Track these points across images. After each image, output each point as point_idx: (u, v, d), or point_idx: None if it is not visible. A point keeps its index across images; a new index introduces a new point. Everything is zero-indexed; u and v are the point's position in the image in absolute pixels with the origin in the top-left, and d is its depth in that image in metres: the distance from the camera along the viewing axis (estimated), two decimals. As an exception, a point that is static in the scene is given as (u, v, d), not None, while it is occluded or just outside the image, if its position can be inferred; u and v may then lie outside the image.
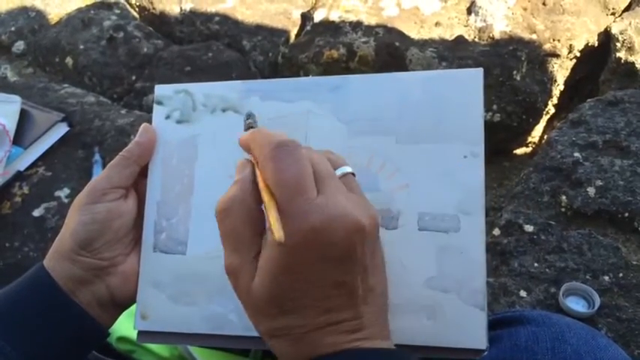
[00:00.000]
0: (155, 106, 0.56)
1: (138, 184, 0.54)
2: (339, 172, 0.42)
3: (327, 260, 0.38)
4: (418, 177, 0.49)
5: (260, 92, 0.53)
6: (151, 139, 0.54)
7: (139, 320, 0.52)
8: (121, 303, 0.53)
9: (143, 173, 0.54)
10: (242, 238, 0.40)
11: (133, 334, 0.62)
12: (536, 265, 0.98)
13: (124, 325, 0.66)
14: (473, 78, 0.50)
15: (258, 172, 0.41)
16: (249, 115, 0.49)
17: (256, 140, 0.41)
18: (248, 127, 0.47)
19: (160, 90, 0.56)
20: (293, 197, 0.38)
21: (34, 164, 1.24)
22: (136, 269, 0.53)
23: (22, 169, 1.22)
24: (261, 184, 0.40)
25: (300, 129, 0.51)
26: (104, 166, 1.23)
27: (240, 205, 0.40)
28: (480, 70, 0.50)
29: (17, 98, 1.26)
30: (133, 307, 0.53)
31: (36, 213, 1.17)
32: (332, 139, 0.51)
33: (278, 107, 0.53)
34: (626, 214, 1.02)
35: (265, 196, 0.39)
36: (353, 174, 0.44)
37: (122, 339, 0.70)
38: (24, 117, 1.24)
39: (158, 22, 1.82)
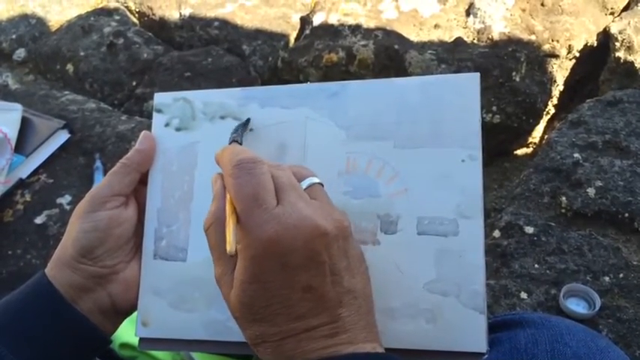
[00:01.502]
0: (154, 114, 0.56)
1: (138, 191, 0.55)
2: (305, 183, 0.44)
3: (290, 267, 0.40)
4: (417, 181, 0.49)
5: (258, 99, 0.54)
6: (150, 146, 0.55)
7: (140, 327, 0.52)
8: (122, 310, 0.53)
9: (143, 181, 0.55)
10: (220, 251, 0.42)
11: (135, 341, 0.62)
12: (536, 266, 0.98)
13: (127, 332, 0.66)
14: (470, 82, 0.50)
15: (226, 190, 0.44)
16: (236, 129, 0.51)
17: (223, 157, 0.44)
18: (231, 142, 0.50)
19: (159, 98, 0.57)
20: (251, 210, 0.40)
21: (35, 172, 1.24)
22: (137, 276, 0.53)
23: (23, 176, 1.22)
24: (227, 199, 0.43)
25: (298, 135, 0.52)
26: (105, 172, 1.23)
27: (218, 220, 0.43)
28: (477, 75, 0.50)
29: (18, 106, 1.26)
30: (135, 314, 0.53)
31: (38, 220, 1.17)
32: (330, 144, 0.51)
33: (276, 114, 0.53)
34: (627, 215, 1.02)
35: (228, 209, 0.42)
36: (321, 184, 0.45)
37: (125, 345, 0.70)
38: (25, 125, 1.24)
39: (158, 27, 1.83)
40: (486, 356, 0.46)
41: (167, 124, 0.56)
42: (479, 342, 0.46)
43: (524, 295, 0.95)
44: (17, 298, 0.50)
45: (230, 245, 0.39)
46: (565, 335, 0.54)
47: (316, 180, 0.45)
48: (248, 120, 0.53)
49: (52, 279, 0.50)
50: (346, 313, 0.41)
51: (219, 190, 0.44)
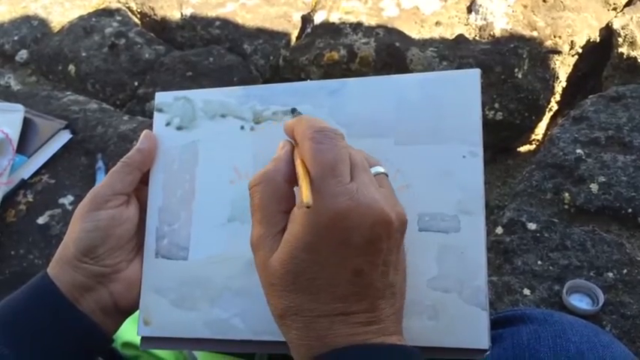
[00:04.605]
0: (155, 113, 0.57)
1: (139, 190, 0.55)
2: (373, 170, 0.43)
3: (350, 245, 0.39)
4: (417, 178, 0.49)
5: (259, 97, 0.54)
6: (152, 145, 0.55)
7: (141, 326, 0.52)
8: (124, 309, 0.53)
9: (144, 180, 0.55)
10: (267, 212, 0.42)
11: (137, 340, 0.62)
12: (539, 262, 0.98)
13: (129, 331, 0.66)
14: (470, 78, 0.50)
15: (296, 152, 0.43)
16: (294, 110, 0.52)
17: (302, 122, 0.43)
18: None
19: (160, 97, 0.57)
20: (326, 177, 0.39)
21: (37, 172, 1.24)
22: (138, 275, 0.53)
23: (26, 177, 1.23)
24: (297, 161, 0.42)
25: None
26: (107, 172, 1.24)
27: (271, 181, 0.42)
28: (477, 71, 0.50)
29: (20, 107, 1.26)
30: (138, 313, 0.53)
31: (40, 221, 1.18)
32: None
33: (277, 112, 0.53)
34: (630, 210, 1.02)
35: (300, 170, 0.41)
36: (386, 174, 0.44)
37: (127, 344, 0.70)
38: (27, 125, 1.25)
39: (159, 27, 1.83)
40: (488, 352, 0.46)
41: (168, 123, 0.56)
42: (481, 338, 0.45)
43: (527, 291, 0.95)
44: (19, 297, 0.50)
45: (307, 196, 0.38)
46: (568, 331, 0.54)
47: (382, 170, 0.44)
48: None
49: (54, 278, 0.50)
50: (384, 305, 0.41)
51: (285, 153, 0.43)
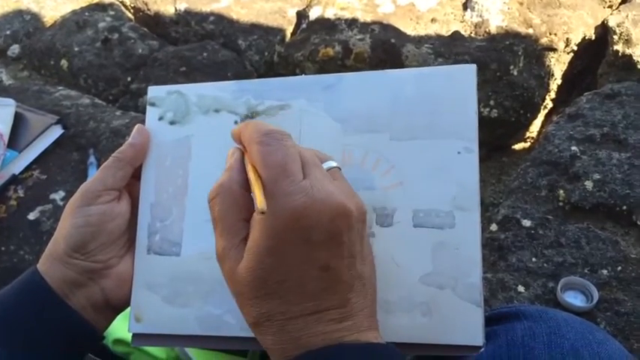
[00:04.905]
0: (148, 108, 0.56)
1: (131, 185, 0.54)
2: (325, 165, 0.43)
3: (312, 243, 0.39)
4: (412, 174, 0.49)
5: (253, 92, 0.54)
6: (144, 140, 0.54)
7: (133, 323, 0.52)
8: (115, 305, 0.53)
9: (136, 175, 0.54)
10: (227, 223, 0.41)
11: (129, 337, 0.62)
12: (534, 260, 0.98)
13: (121, 328, 0.66)
14: (466, 74, 0.50)
15: (246, 159, 0.43)
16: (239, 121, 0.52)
17: (247, 128, 0.43)
18: None
19: (153, 91, 0.56)
20: (278, 178, 0.39)
21: (28, 167, 1.24)
22: (130, 271, 0.53)
23: (17, 172, 1.22)
24: (248, 167, 0.42)
25: (294, 128, 0.51)
26: (99, 168, 1.24)
27: (227, 191, 0.42)
28: (473, 66, 0.50)
29: (11, 101, 1.26)
30: (128, 309, 0.53)
31: (31, 216, 1.17)
32: (326, 137, 0.51)
33: (271, 106, 0.53)
34: (625, 208, 1.02)
35: (251, 175, 0.40)
36: (339, 168, 0.44)
37: (118, 341, 0.70)
38: (18, 120, 1.24)
39: (153, 22, 1.82)
40: (483, 349, 0.46)
41: (161, 118, 0.55)
42: (475, 335, 0.45)
43: (521, 288, 0.95)
44: (9, 293, 0.50)
45: (261, 202, 0.38)
46: (562, 327, 0.54)
47: (335, 164, 0.44)
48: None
49: (44, 274, 0.49)
50: (355, 298, 0.41)
51: (235, 161, 0.43)
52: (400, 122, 0.50)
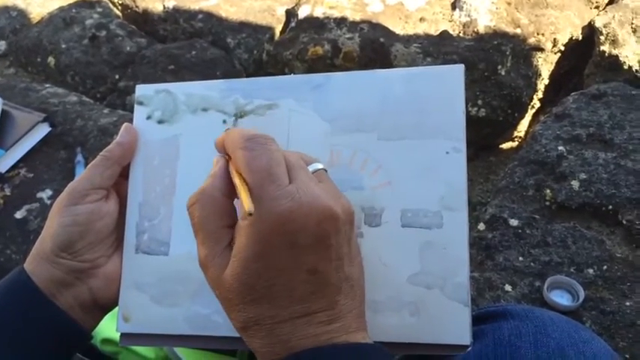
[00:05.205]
0: (136, 106, 0.56)
1: (119, 184, 0.54)
2: (311, 168, 0.43)
3: (299, 247, 0.39)
4: (401, 173, 0.49)
5: (241, 91, 0.53)
6: (132, 139, 0.54)
7: (121, 322, 0.52)
8: (103, 305, 0.52)
9: (124, 174, 0.54)
10: (209, 230, 0.41)
11: (117, 336, 0.62)
12: (520, 259, 0.99)
13: (109, 327, 0.65)
14: (454, 74, 0.50)
15: (231, 166, 0.42)
16: (224, 121, 0.52)
17: (230, 135, 0.43)
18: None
19: (141, 90, 0.56)
20: (264, 183, 0.39)
21: (15, 166, 1.23)
22: (118, 271, 0.52)
23: (3, 170, 1.21)
24: (233, 173, 0.41)
25: (282, 127, 0.51)
26: (87, 166, 1.23)
27: (209, 198, 0.42)
28: (461, 67, 0.50)
29: (-2, 99, 1.25)
30: (117, 309, 0.53)
31: (18, 215, 1.16)
32: (314, 137, 0.51)
33: (260, 106, 0.53)
34: (610, 207, 1.03)
35: (237, 181, 0.40)
36: (325, 170, 0.44)
37: (106, 341, 0.70)
38: (5, 118, 1.23)
39: (141, 20, 1.82)
40: (470, 348, 0.46)
41: (149, 117, 0.55)
42: (463, 334, 0.46)
43: (508, 287, 0.95)
44: None
45: (248, 204, 0.38)
46: (548, 327, 0.55)
47: (321, 166, 0.44)
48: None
49: (31, 274, 0.49)
50: (343, 300, 0.41)
51: (219, 169, 0.43)
52: (388, 122, 0.50)
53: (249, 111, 0.53)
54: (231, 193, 0.42)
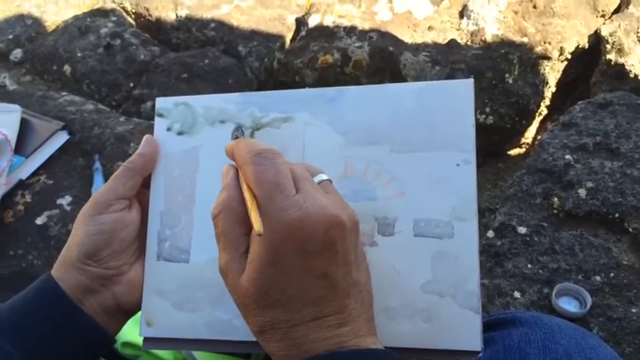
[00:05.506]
0: (156, 119, 0.57)
1: (141, 194, 0.56)
2: (316, 179, 0.45)
3: (309, 253, 0.41)
4: (413, 185, 0.50)
5: (258, 104, 0.55)
6: (153, 150, 0.55)
7: (144, 327, 0.53)
8: (126, 310, 0.54)
9: (145, 184, 0.56)
10: (229, 237, 0.43)
11: (137, 340, 0.63)
12: (529, 266, 1.00)
13: (129, 331, 0.66)
14: (463, 88, 0.51)
15: (241, 176, 0.45)
16: (237, 129, 0.53)
17: (239, 147, 0.45)
18: (234, 139, 0.51)
19: (161, 102, 0.57)
20: (272, 195, 0.41)
21: (35, 173, 1.24)
22: (140, 277, 0.54)
23: (24, 177, 1.22)
24: (243, 186, 0.44)
25: (297, 140, 0.53)
26: (104, 173, 1.24)
27: (228, 208, 0.44)
28: (471, 81, 0.51)
29: (17, 107, 1.27)
30: (139, 314, 0.55)
31: (38, 221, 1.18)
32: (329, 149, 0.52)
33: (276, 119, 0.54)
34: (617, 215, 1.04)
35: (247, 195, 0.43)
36: (330, 180, 0.46)
37: (127, 344, 0.71)
38: (24, 126, 1.25)
39: (154, 28, 1.83)
40: (481, 354, 0.47)
41: (169, 129, 0.56)
42: (474, 341, 0.47)
43: (517, 294, 0.96)
44: (25, 298, 0.51)
45: (257, 224, 0.40)
46: (557, 334, 0.56)
47: (325, 177, 0.46)
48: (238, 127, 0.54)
49: (59, 280, 0.51)
50: (352, 304, 0.43)
51: (231, 180, 0.45)
52: (400, 135, 0.51)
53: (265, 123, 0.54)
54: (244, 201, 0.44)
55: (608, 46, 1.46)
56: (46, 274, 0.52)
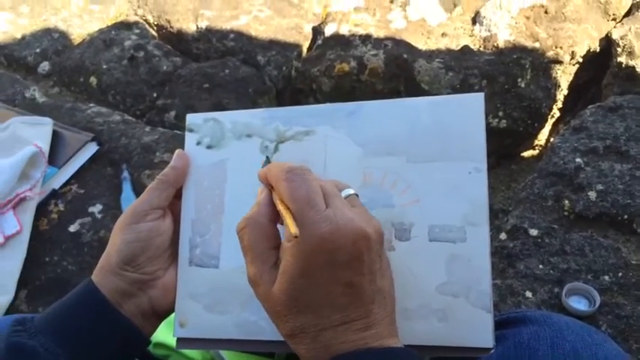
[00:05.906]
0: (187, 134, 0.61)
1: (173, 204, 0.59)
2: (344, 193, 0.49)
3: (337, 263, 0.44)
4: (427, 192, 0.53)
5: (281, 119, 0.58)
6: (184, 163, 0.59)
7: (177, 328, 0.56)
8: (161, 313, 0.57)
9: (178, 195, 0.59)
10: (257, 251, 0.46)
11: (168, 340, 0.66)
12: (540, 267, 1.02)
13: (161, 332, 0.69)
14: (474, 101, 0.54)
15: (274, 195, 0.48)
16: (267, 161, 0.57)
17: (272, 169, 0.49)
18: (265, 164, 0.55)
19: (191, 118, 0.61)
20: (305, 209, 0.44)
21: (67, 182, 1.28)
22: (174, 282, 0.57)
23: (57, 187, 1.26)
24: (277, 202, 0.47)
25: (319, 152, 0.56)
26: (132, 182, 1.27)
27: (256, 223, 0.47)
28: (481, 95, 0.54)
29: (49, 120, 1.30)
30: (170, 317, 0.58)
31: (72, 229, 1.21)
32: (349, 160, 0.55)
33: (298, 132, 0.57)
34: (626, 217, 1.05)
35: (282, 209, 0.46)
36: (356, 195, 0.50)
37: (158, 344, 0.74)
38: (56, 138, 1.29)
39: (175, 40, 1.86)
40: (493, 351, 0.50)
41: (199, 143, 0.60)
42: (486, 338, 0.50)
43: (529, 294, 0.98)
44: (68, 303, 0.54)
45: (293, 228, 0.43)
46: (564, 331, 0.59)
47: (352, 191, 0.49)
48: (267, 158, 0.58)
49: (99, 285, 0.54)
50: (376, 309, 0.46)
51: (264, 198, 0.48)
52: (416, 146, 0.54)
53: (288, 137, 0.57)
54: (276, 218, 0.48)
55: (619, 49, 1.47)
56: (87, 280, 0.55)
